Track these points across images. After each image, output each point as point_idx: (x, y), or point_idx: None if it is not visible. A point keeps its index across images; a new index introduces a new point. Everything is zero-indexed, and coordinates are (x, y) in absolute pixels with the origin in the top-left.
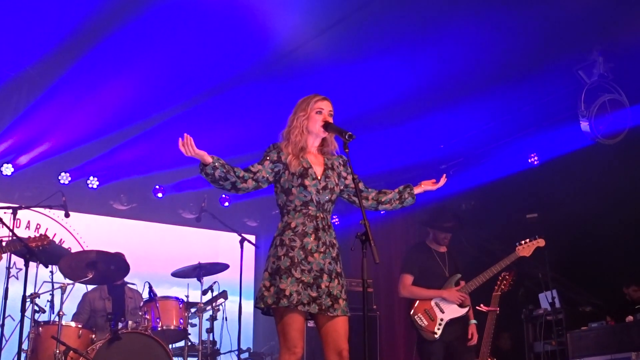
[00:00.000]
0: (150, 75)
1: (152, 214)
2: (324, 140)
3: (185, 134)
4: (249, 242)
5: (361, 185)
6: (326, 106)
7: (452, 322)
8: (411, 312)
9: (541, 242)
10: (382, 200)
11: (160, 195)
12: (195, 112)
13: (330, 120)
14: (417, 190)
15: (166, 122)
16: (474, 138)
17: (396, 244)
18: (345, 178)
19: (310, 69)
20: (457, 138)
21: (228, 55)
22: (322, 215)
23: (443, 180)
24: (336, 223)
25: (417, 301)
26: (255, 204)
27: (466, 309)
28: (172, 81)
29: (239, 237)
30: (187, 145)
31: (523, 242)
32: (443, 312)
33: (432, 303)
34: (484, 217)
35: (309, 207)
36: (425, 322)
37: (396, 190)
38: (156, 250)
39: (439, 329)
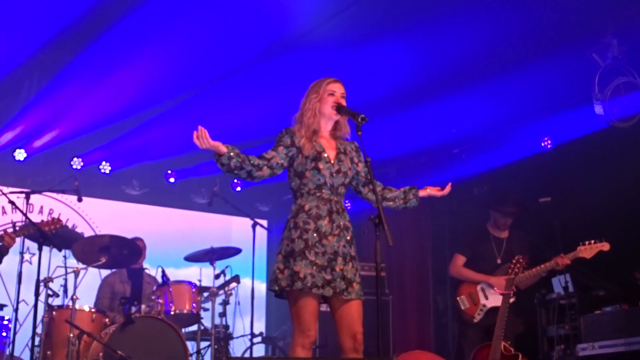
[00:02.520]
0: (162, 59)
1: (165, 199)
2: (336, 124)
3: (199, 127)
4: (261, 226)
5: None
6: (338, 88)
7: (494, 309)
8: (457, 293)
9: (605, 246)
10: (387, 196)
11: (172, 180)
12: (207, 96)
13: (343, 102)
14: (422, 193)
15: (177, 107)
16: (486, 122)
17: (407, 228)
18: (357, 164)
19: (321, 53)
20: (470, 122)
21: (239, 40)
22: (335, 199)
23: (448, 189)
24: (348, 207)
25: (464, 283)
26: (267, 188)
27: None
28: (184, 65)
29: (251, 222)
30: (202, 138)
31: (587, 242)
32: (487, 299)
33: (478, 287)
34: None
35: (323, 190)
36: (467, 305)
37: (401, 189)
38: (169, 235)
39: (479, 314)
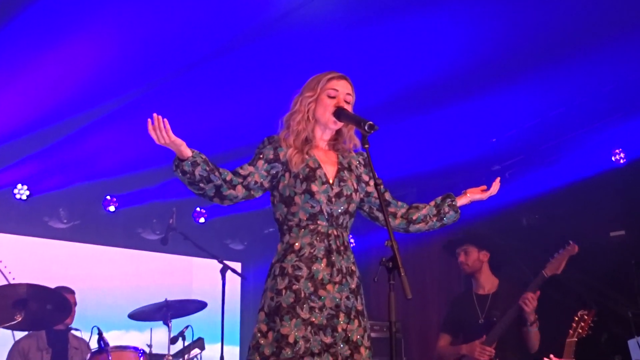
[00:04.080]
0: (100, 46)
1: (102, 234)
2: (339, 133)
3: (155, 115)
4: (234, 271)
5: (387, 196)
6: (342, 87)
7: None
8: None
9: (574, 249)
10: (414, 218)
11: (112, 208)
12: (165, 94)
13: (347, 106)
14: (462, 201)
15: (123, 109)
16: (537, 129)
17: (432, 272)
18: (367, 183)
19: (317, 34)
20: (515, 129)
21: (209, 21)
22: (336, 233)
23: (496, 186)
24: (353, 245)
25: None
26: (241, 219)
27: None
28: (134, 54)
29: (220, 265)
30: (159, 130)
31: (551, 257)
32: None
33: None
34: (552, 236)
35: (318, 222)
36: None
37: (432, 203)
38: (108, 284)
39: None
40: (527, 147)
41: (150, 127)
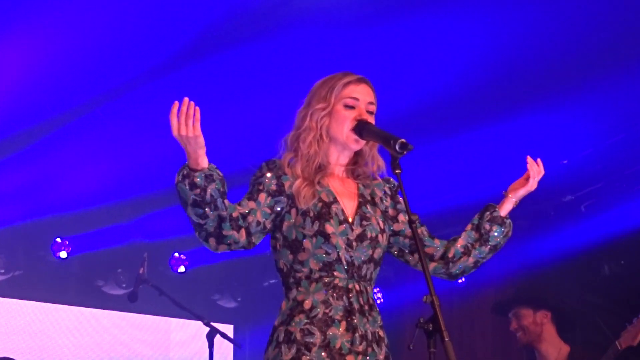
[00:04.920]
0: (48, 45)
1: (51, 289)
2: (359, 153)
3: (186, 99)
4: (224, 336)
5: (423, 232)
6: (363, 94)
7: None
8: None
9: None
10: (451, 255)
11: (64, 254)
12: (130, 103)
13: (370, 118)
14: (506, 206)
15: (76, 124)
16: (620, 147)
17: (485, 336)
18: (395, 219)
19: (319, 28)
20: (592, 148)
21: (182, 9)
22: (358, 287)
23: (536, 167)
24: (379, 301)
25: None
26: (232, 268)
27: None
28: (90, 55)
29: (207, 329)
30: (186, 117)
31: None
32: None
33: None
34: None
35: (335, 273)
36: None
37: (468, 227)
38: (59, 353)
39: None
40: (609, 172)
41: (173, 110)
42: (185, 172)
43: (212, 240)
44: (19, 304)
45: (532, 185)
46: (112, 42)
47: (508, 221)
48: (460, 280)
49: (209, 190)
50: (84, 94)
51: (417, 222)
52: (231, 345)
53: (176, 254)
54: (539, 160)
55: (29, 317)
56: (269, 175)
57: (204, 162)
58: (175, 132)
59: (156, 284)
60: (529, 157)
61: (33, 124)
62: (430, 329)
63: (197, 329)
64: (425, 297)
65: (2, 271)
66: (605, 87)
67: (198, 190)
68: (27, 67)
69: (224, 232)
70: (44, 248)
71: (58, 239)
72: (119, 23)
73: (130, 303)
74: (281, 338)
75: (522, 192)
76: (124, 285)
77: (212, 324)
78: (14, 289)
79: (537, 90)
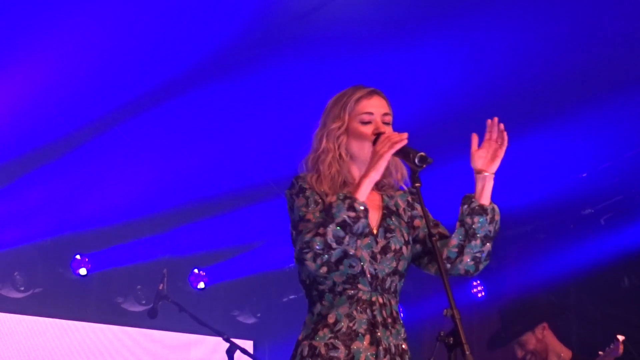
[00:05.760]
0: (68, 61)
1: (70, 305)
2: None
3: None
4: (244, 351)
5: (440, 230)
6: (377, 106)
7: None
8: None
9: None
10: (447, 256)
11: (83, 271)
12: (149, 120)
13: (387, 129)
14: (480, 188)
15: (96, 142)
16: (639, 160)
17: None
18: (417, 231)
19: (340, 41)
20: (612, 160)
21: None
22: (381, 301)
23: (494, 129)
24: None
25: None
26: (252, 284)
27: None
28: (109, 73)
29: (226, 344)
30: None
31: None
32: None
33: None
34: None
35: (359, 286)
36: None
37: (457, 224)
38: None
39: None
40: (628, 185)
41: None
42: (347, 194)
43: (323, 269)
44: (39, 321)
45: (499, 156)
46: (129, 59)
47: (490, 207)
48: (480, 295)
49: (361, 222)
50: (104, 112)
51: (437, 234)
52: None
53: (195, 270)
54: (497, 129)
55: (49, 335)
56: (309, 190)
57: (364, 197)
58: (382, 151)
59: (176, 300)
60: (496, 118)
61: (53, 142)
62: (451, 342)
63: (217, 344)
64: (445, 310)
65: (22, 288)
66: (623, 100)
67: (353, 214)
68: (46, 86)
69: (339, 266)
70: (64, 265)
71: (78, 256)
72: (139, 38)
73: (150, 319)
74: (305, 352)
75: (490, 167)
76: (144, 302)
77: (231, 339)
78: (34, 306)
79: (556, 105)
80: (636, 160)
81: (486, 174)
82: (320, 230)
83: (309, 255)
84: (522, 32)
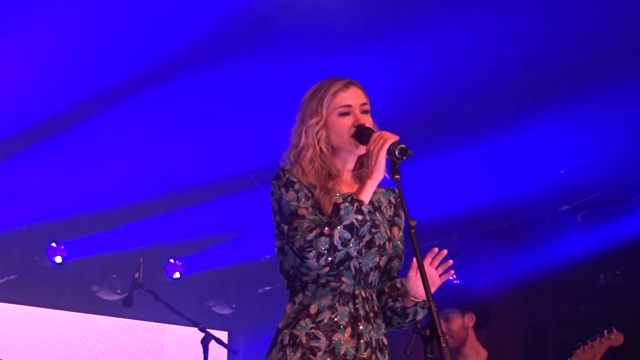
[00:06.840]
0: (42, 48)
1: (46, 293)
2: (364, 156)
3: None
4: (219, 342)
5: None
6: (355, 97)
7: None
8: None
9: (617, 339)
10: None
11: (59, 259)
12: (125, 109)
13: (367, 120)
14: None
15: (72, 130)
16: (618, 157)
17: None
18: (400, 228)
19: (314, 35)
20: (589, 157)
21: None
22: (364, 294)
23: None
24: None
25: None
26: (227, 274)
27: None
28: (84, 61)
29: (201, 334)
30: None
31: (583, 345)
32: None
33: None
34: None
35: (342, 279)
36: None
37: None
38: (53, 358)
39: None
40: (605, 182)
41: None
42: (354, 197)
43: (325, 269)
44: (14, 308)
45: (437, 283)
46: (110, 46)
47: (413, 314)
48: (455, 282)
49: (367, 225)
50: (80, 100)
51: (413, 228)
52: (225, 351)
53: (171, 260)
54: (442, 252)
55: (24, 322)
56: (298, 184)
57: (369, 199)
58: (375, 148)
59: (151, 290)
60: (445, 251)
61: (28, 129)
62: (428, 334)
63: (191, 334)
64: (422, 302)
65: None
66: (602, 98)
67: (361, 217)
68: (21, 73)
69: (340, 267)
70: (39, 253)
71: (53, 244)
72: (121, 25)
73: (125, 308)
74: (286, 341)
75: (412, 294)
76: (119, 291)
77: (207, 330)
78: (9, 293)
79: (534, 100)
80: (614, 157)
81: (417, 301)
82: (326, 231)
83: (312, 254)
84: (497, 26)
